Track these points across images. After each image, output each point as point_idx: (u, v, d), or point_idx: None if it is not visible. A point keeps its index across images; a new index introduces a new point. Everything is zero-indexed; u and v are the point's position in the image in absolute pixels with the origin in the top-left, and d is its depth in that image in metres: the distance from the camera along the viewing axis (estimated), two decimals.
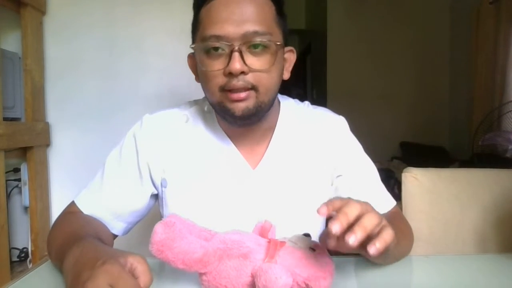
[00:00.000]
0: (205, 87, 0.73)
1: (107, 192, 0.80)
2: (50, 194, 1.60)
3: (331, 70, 3.86)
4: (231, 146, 0.79)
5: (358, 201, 0.52)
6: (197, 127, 0.81)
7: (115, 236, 0.82)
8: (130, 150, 0.80)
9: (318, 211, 0.50)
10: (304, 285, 0.53)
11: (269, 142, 0.80)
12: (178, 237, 0.54)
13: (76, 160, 1.61)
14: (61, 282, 0.67)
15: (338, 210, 0.50)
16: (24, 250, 1.53)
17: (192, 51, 0.75)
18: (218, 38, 0.66)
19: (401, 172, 1.06)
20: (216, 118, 0.81)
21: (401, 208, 1.05)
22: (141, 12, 1.59)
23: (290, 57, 0.77)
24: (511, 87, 2.66)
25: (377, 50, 3.68)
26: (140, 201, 0.81)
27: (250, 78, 0.67)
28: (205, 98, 0.82)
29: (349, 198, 0.53)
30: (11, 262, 1.43)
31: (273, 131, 0.81)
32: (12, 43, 1.51)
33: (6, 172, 1.38)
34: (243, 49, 0.66)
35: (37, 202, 1.49)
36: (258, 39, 0.66)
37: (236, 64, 0.65)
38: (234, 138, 0.79)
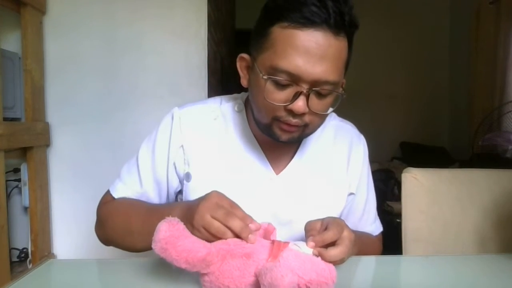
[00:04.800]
0: (257, 106, 0.72)
1: (142, 184, 0.81)
2: (50, 194, 1.60)
3: None
4: (259, 150, 0.80)
5: (336, 229, 0.62)
6: (226, 126, 0.81)
7: None
8: (161, 144, 0.81)
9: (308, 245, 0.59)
10: None
11: (296, 151, 0.82)
12: (182, 236, 0.54)
13: (76, 160, 1.61)
14: (61, 282, 0.67)
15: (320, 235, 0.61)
16: (24, 250, 1.53)
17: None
18: (290, 75, 0.64)
19: (401, 172, 1.06)
20: (246, 119, 0.81)
21: (401, 208, 1.05)
22: (141, 12, 1.59)
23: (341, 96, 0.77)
24: (511, 87, 2.66)
25: (377, 50, 3.68)
26: (171, 190, 0.83)
27: (306, 117, 0.68)
28: (235, 96, 0.85)
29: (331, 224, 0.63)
30: (11, 262, 1.44)
31: (301, 140, 0.82)
32: (12, 43, 1.51)
33: (6, 172, 1.38)
34: (310, 92, 0.65)
35: (37, 202, 1.49)
36: (326, 88, 0.66)
37: (301, 107, 0.65)
38: (263, 142, 0.80)
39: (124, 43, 1.59)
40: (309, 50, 0.63)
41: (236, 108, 0.83)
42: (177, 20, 1.59)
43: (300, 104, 0.65)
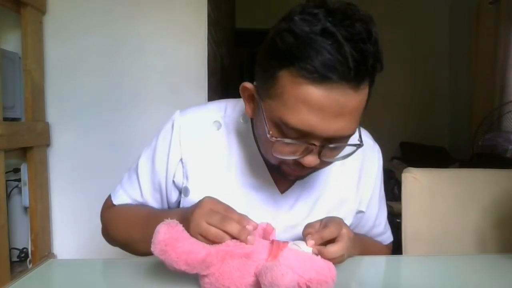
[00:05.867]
0: (263, 148, 0.67)
1: (143, 194, 0.80)
2: (50, 194, 1.60)
3: None
4: (263, 167, 0.74)
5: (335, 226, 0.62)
6: (229, 138, 0.75)
7: None
8: (161, 156, 0.77)
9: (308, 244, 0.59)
10: (305, 287, 0.53)
11: None
12: (181, 237, 0.54)
13: (76, 160, 1.61)
14: (61, 282, 0.67)
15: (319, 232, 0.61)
16: (24, 250, 1.53)
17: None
18: (302, 133, 0.57)
19: (401, 172, 1.06)
20: (252, 132, 0.73)
21: (401, 208, 1.05)
22: (141, 12, 1.59)
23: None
24: (511, 87, 2.66)
25: None
26: (171, 201, 0.80)
27: (317, 165, 0.61)
28: (241, 104, 0.74)
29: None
30: (11, 262, 1.43)
31: None
32: (12, 43, 1.51)
33: (6, 172, 1.38)
34: (324, 148, 0.59)
35: (37, 202, 1.49)
36: (343, 142, 0.60)
37: (312, 162, 0.59)
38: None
39: (124, 43, 1.59)
40: (324, 108, 0.54)
41: (241, 119, 0.75)
42: (177, 20, 1.59)
43: (311, 159, 0.59)
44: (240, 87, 0.66)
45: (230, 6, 3.10)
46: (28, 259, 1.50)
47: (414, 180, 1.04)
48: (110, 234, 0.82)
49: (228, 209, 0.60)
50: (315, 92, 0.53)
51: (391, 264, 0.77)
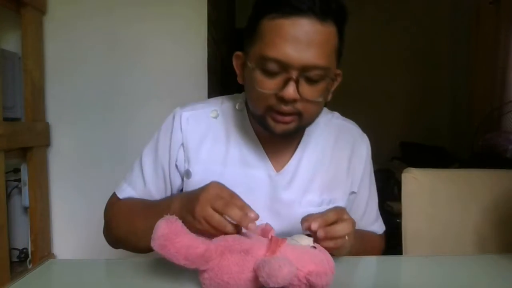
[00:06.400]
0: (250, 99, 0.74)
1: (146, 183, 0.83)
2: (50, 194, 1.60)
3: None
4: (259, 147, 0.80)
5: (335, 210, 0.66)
6: (226, 124, 0.82)
7: None
8: (163, 143, 0.82)
9: (306, 227, 0.62)
10: (305, 280, 0.54)
11: (296, 148, 0.82)
12: (181, 232, 0.54)
13: (76, 160, 1.61)
14: (61, 282, 0.67)
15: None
16: (24, 250, 1.53)
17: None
18: (279, 63, 0.65)
19: (401, 172, 1.06)
20: (247, 117, 0.82)
21: (401, 209, 1.05)
22: (141, 12, 1.59)
23: (337, 79, 0.77)
24: (511, 87, 2.66)
25: (377, 50, 3.68)
26: (174, 188, 0.84)
27: (299, 105, 0.68)
28: (237, 96, 0.85)
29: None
30: (11, 262, 1.44)
31: (301, 138, 0.82)
32: (12, 43, 1.51)
33: (6, 172, 1.38)
34: (300, 78, 0.66)
35: (37, 202, 1.49)
36: (316, 73, 0.66)
37: (291, 93, 0.65)
38: (264, 140, 0.80)
39: (124, 43, 1.59)
40: (296, 37, 0.64)
41: (237, 107, 0.83)
42: (177, 20, 1.59)
43: (290, 90, 0.65)
44: (233, 56, 0.77)
45: (230, 6, 3.10)
46: (28, 259, 1.50)
47: (414, 180, 1.04)
48: (113, 229, 0.82)
49: (233, 195, 0.63)
50: (287, 24, 0.64)
51: (391, 264, 0.77)
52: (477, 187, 1.06)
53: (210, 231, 0.59)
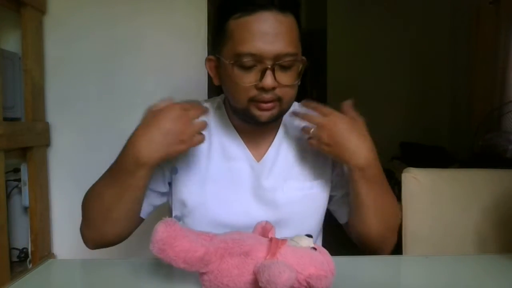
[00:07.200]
0: (231, 95, 0.78)
1: None
2: (50, 194, 1.60)
3: (331, 70, 3.87)
4: (240, 140, 0.85)
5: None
6: (208, 122, 0.84)
7: (141, 219, 0.85)
8: None
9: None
10: (305, 283, 0.54)
11: (274, 138, 0.87)
12: (180, 236, 0.54)
13: (76, 160, 1.60)
14: (61, 282, 0.67)
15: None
16: (24, 250, 1.53)
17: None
18: (253, 56, 0.71)
19: (401, 172, 1.06)
20: (226, 115, 0.87)
21: (401, 209, 1.05)
22: (141, 11, 1.59)
23: (303, 64, 0.81)
24: (511, 87, 2.65)
25: (377, 50, 3.68)
26: (163, 184, 0.86)
27: (278, 91, 0.74)
28: (214, 98, 0.92)
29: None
30: (11, 262, 1.43)
31: (278, 128, 0.88)
32: (12, 43, 1.51)
33: (6, 172, 1.38)
34: (274, 67, 0.72)
35: (37, 202, 1.48)
36: (288, 59, 0.73)
37: (270, 82, 0.72)
38: (243, 133, 0.86)
39: (124, 43, 1.59)
40: (264, 31, 0.71)
41: (215, 106, 0.89)
42: (177, 20, 1.59)
43: (268, 79, 0.71)
44: (205, 60, 0.82)
45: None
46: (28, 259, 1.50)
47: (414, 180, 1.04)
48: (88, 219, 0.82)
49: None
50: (253, 20, 0.71)
51: (391, 264, 0.77)
52: (477, 187, 1.06)
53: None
